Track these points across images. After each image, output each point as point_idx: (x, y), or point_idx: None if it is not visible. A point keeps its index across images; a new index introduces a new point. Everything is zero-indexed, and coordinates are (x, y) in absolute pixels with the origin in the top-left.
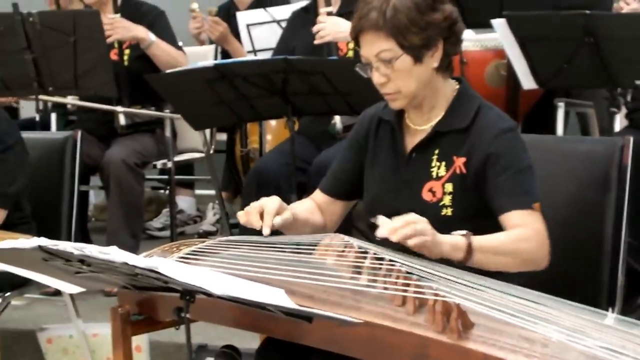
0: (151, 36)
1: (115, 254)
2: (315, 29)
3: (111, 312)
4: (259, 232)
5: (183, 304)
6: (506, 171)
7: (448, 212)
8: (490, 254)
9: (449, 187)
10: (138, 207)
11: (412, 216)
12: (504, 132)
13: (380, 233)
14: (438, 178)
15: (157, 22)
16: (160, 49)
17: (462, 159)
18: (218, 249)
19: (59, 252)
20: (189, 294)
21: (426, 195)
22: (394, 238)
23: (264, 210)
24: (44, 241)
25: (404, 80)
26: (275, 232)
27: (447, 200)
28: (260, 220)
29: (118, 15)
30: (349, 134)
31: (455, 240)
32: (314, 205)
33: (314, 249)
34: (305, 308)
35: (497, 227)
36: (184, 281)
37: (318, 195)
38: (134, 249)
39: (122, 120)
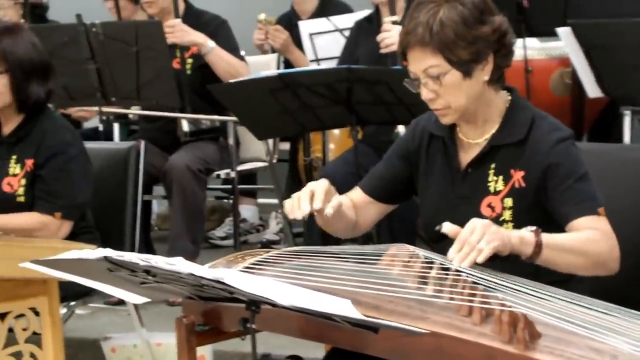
0: (210, 43)
1: (181, 264)
2: (379, 38)
3: (176, 322)
4: (322, 241)
5: (249, 314)
6: (567, 180)
7: (509, 227)
8: (559, 251)
9: (509, 201)
10: (200, 213)
11: (473, 225)
12: (560, 141)
13: (452, 260)
14: (496, 193)
15: (219, 31)
16: (219, 57)
17: (521, 173)
18: (282, 259)
19: (124, 262)
20: (254, 304)
21: (485, 211)
22: (466, 264)
23: (314, 193)
24: (109, 252)
25: (454, 95)
26: (324, 237)
27: (507, 215)
28: (309, 205)
29: (178, 20)
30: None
31: (524, 235)
32: (349, 202)
33: (378, 259)
34: (372, 318)
35: None
36: (250, 292)
37: (357, 194)
38: (194, 255)
39: (185, 126)
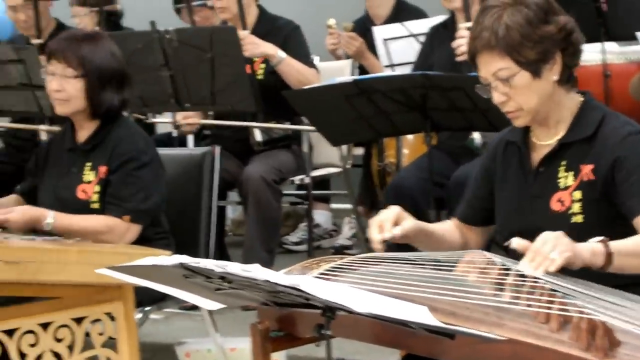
0: (280, 53)
1: (257, 271)
2: (455, 44)
3: (251, 328)
4: (396, 247)
5: (324, 320)
6: (635, 173)
7: (579, 219)
8: (630, 257)
9: (578, 194)
10: (275, 224)
11: (545, 237)
12: (629, 135)
13: (523, 270)
14: (566, 188)
15: (292, 37)
16: (289, 66)
17: (589, 166)
18: (357, 266)
19: (200, 269)
20: (330, 310)
21: (555, 206)
22: (539, 273)
23: (382, 221)
24: (185, 258)
25: (525, 96)
26: (399, 243)
27: (576, 207)
28: (379, 234)
29: (247, 31)
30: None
31: (593, 247)
32: (453, 226)
33: (454, 266)
34: (448, 325)
35: (631, 233)
36: (326, 298)
37: (456, 221)
38: (269, 265)
39: (258, 136)
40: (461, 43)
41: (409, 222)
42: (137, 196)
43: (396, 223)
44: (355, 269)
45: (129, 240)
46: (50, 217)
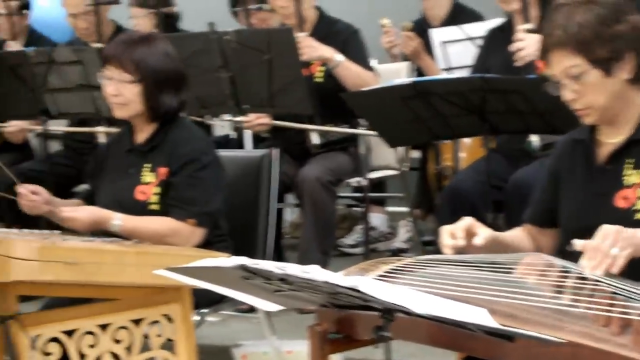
0: (338, 57)
1: (316, 273)
2: (514, 47)
3: (309, 330)
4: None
5: (382, 322)
6: None
7: None
8: None
9: None
10: (330, 225)
11: (605, 232)
12: None
13: (583, 269)
14: (631, 185)
15: (351, 41)
16: (347, 70)
17: None
18: (416, 267)
19: (260, 271)
20: (389, 312)
21: (619, 203)
22: (599, 272)
23: (454, 229)
24: (245, 260)
25: (595, 94)
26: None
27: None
28: (450, 240)
29: (305, 34)
30: (548, 156)
31: None
32: (523, 233)
33: (512, 268)
34: (508, 327)
35: None
36: (385, 300)
37: (526, 226)
38: (323, 266)
39: (315, 139)
40: (520, 47)
41: (487, 232)
42: (201, 199)
43: (468, 232)
44: (413, 271)
45: (194, 244)
46: (118, 219)
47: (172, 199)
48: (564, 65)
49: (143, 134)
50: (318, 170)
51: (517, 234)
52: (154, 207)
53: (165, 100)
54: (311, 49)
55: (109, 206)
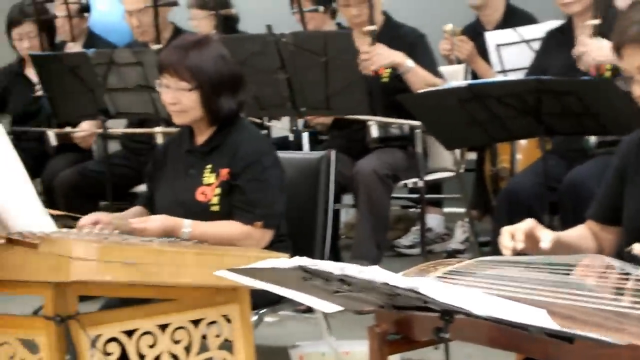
0: (409, 62)
1: (376, 274)
2: (576, 52)
3: (368, 331)
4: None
5: (442, 324)
6: None
7: None
8: None
9: None
10: (385, 218)
11: None
12: None
13: None
14: None
15: (417, 46)
16: (417, 76)
17: None
18: (474, 269)
19: (319, 272)
20: (448, 314)
21: None
22: None
23: (514, 230)
24: (305, 261)
25: None
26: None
27: None
28: (511, 241)
29: (368, 42)
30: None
31: None
32: (585, 231)
33: (570, 269)
34: (567, 329)
35: None
36: (445, 302)
37: (589, 222)
38: (377, 260)
39: (374, 132)
40: (582, 51)
41: (550, 235)
42: (266, 201)
43: (529, 235)
44: (472, 272)
45: (263, 246)
46: (188, 226)
47: (238, 202)
48: (637, 62)
49: (203, 135)
50: (375, 163)
51: (579, 233)
52: (215, 208)
53: (224, 104)
54: (381, 56)
55: (168, 206)
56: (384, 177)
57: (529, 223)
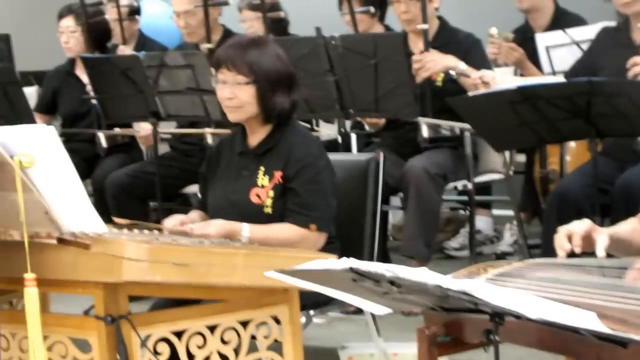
0: (462, 65)
1: (427, 276)
2: (630, 63)
3: (418, 333)
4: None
5: (492, 326)
6: None
7: None
8: None
9: None
10: (434, 217)
11: None
12: None
13: None
14: None
15: (472, 51)
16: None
17: None
18: (525, 271)
19: (369, 273)
20: (498, 316)
21: None
22: None
23: (571, 233)
24: (355, 262)
25: None
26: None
27: None
28: (568, 243)
29: (420, 48)
30: None
31: None
32: (639, 225)
33: (622, 272)
34: (619, 332)
35: None
36: (497, 304)
37: None
38: (426, 259)
39: (425, 132)
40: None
41: (605, 240)
42: (321, 204)
43: (587, 236)
44: (522, 275)
45: (318, 249)
46: (246, 230)
47: (292, 205)
48: None
49: (256, 136)
50: (426, 161)
51: (632, 227)
52: (268, 210)
53: (279, 101)
54: (434, 63)
55: (221, 208)
56: (434, 176)
57: (586, 225)
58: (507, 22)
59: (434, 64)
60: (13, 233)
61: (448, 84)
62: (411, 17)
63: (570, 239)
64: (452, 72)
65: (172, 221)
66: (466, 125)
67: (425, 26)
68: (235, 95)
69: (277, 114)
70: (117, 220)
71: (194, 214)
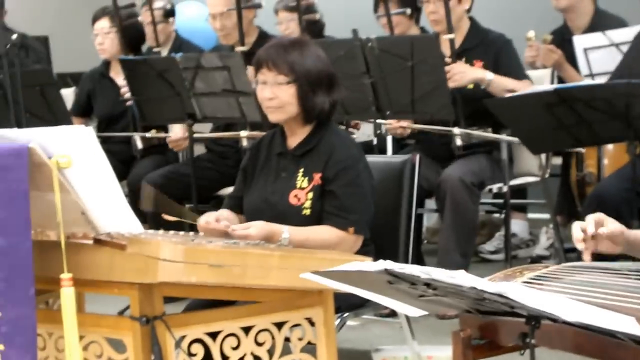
0: (489, 75)
1: (463, 278)
2: None
3: (452, 336)
4: (596, 257)
5: (528, 329)
6: None
7: None
8: None
9: None
10: (472, 227)
11: None
12: None
13: None
14: None
15: (504, 51)
16: (500, 86)
17: None
18: (562, 274)
19: (405, 275)
20: (534, 319)
21: None
22: None
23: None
24: (390, 264)
25: None
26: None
27: None
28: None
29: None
30: None
31: None
32: None
33: None
34: None
35: None
36: (533, 306)
37: None
38: (463, 269)
39: (458, 141)
40: None
41: (615, 225)
42: (360, 207)
43: (599, 224)
44: (559, 278)
45: (354, 252)
46: (287, 232)
47: (331, 207)
48: None
49: (296, 137)
50: (461, 171)
51: None
52: (306, 212)
53: (319, 101)
54: (462, 75)
55: (259, 209)
56: (470, 186)
57: (598, 215)
58: (544, 24)
59: (461, 77)
60: (50, 233)
61: (478, 87)
62: (439, 18)
63: (584, 231)
64: (482, 86)
65: (207, 217)
66: (500, 136)
67: (451, 36)
68: (276, 95)
69: (317, 114)
70: (166, 217)
71: (226, 212)
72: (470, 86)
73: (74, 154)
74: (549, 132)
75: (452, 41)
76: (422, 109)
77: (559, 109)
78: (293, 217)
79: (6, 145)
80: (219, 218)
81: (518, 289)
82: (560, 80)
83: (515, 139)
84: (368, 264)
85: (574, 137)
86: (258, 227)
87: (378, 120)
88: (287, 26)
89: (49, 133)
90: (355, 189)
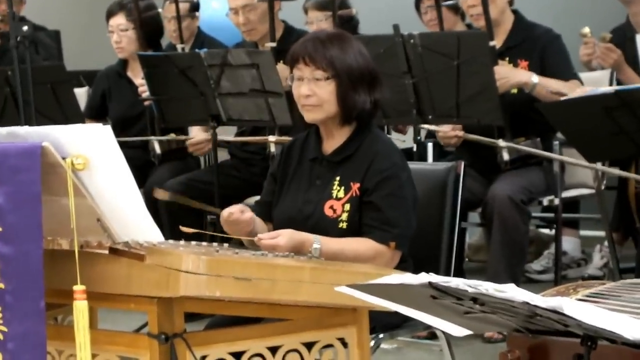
0: (534, 78)
1: (514, 292)
2: None
3: (500, 357)
4: None
5: (584, 350)
6: None
7: None
8: None
9: None
10: (521, 248)
11: None
12: None
13: None
14: None
15: (550, 47)
16: (544, 90)
17: None
18: (621, 292)
19: (450, 289)
20: (590, 339)
21: None
22: None
23: None
24: (434, 277)
25: None
26: None
27: None
28: None
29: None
30: None
31: None
32: None
33: None
34: None
35: None
36: (591, 323)
37: None
38: None
39: (505, 155)
40: None
41: None
42: (402, 220)
43: None
44: (618, 296)
45: (392, 267)
46: (318, 242)
47: (371, 220)
48: None
49: (333, 141)
50: (510, 188)
51: None
52: (343, 225)
53: (360, 100)
54: (505, 80)
55: (290, 219)
56: (519, 204)
57: None
58: (606, 21)
59: (504, 82)
60: (62, 242)
61: (522, 91)
62: (480, 12)
63: None
64: (526, 90)
65: (231, 209)
66: (554, 155)
67: (492, 43)
68: (314, 92)
69: (358, 114)
70: (184, 229)
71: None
72: (514, 91)
73: (90, 155)
74: (608, 139)
75: (492, 49)
76: (468, 113)
77: (619, 113)
78: (329, 229)
79: (17, 145)
80: (243, 209)
81: (574, 304)
82: (620, 84)
83: (568, 159)
84: (409, 277)
85: (634, 145)
86: (287, 236)
87: (426, 126)
88: (318, 26)
89: (64, 132)
90: (397, 201)
